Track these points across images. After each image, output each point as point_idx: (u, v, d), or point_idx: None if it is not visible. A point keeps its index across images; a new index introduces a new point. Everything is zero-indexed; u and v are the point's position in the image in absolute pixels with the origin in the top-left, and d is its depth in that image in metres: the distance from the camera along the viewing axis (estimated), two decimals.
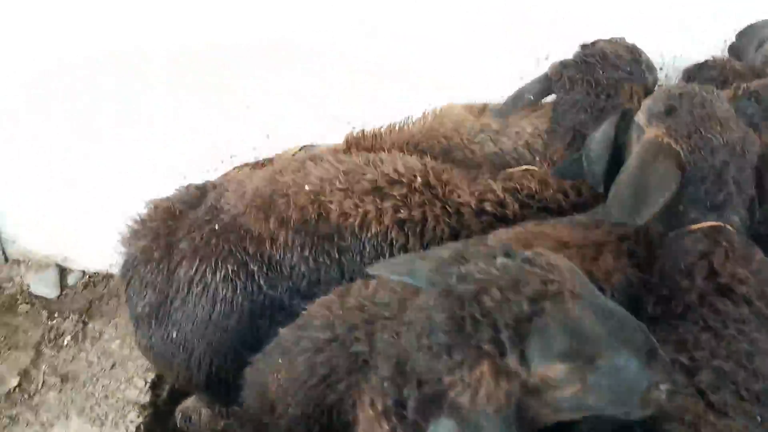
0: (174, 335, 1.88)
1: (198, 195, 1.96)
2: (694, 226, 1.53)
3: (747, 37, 2.42)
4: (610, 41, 2.06)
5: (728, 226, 1.53)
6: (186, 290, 1.79)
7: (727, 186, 1.52)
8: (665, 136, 1.53)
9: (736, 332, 1.40)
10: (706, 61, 2.27)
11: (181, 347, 1.87)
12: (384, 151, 1.96)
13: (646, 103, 1.66)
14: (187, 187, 2.07)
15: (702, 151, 1.52)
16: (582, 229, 1.64)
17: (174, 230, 1.84)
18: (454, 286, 1.15)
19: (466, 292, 1.13)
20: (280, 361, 1.66)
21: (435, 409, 1.14)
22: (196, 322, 1.83)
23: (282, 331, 1.70)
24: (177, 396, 2.61)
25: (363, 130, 2.30)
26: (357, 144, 2.17)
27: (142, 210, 2.08)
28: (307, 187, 1.71)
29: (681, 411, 1.24)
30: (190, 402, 2.42)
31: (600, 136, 1.68)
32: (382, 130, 2.25)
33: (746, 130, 1.60)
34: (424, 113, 2.33)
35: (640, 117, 1.64)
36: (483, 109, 2.29)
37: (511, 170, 1.94)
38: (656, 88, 2.11)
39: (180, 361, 1.92)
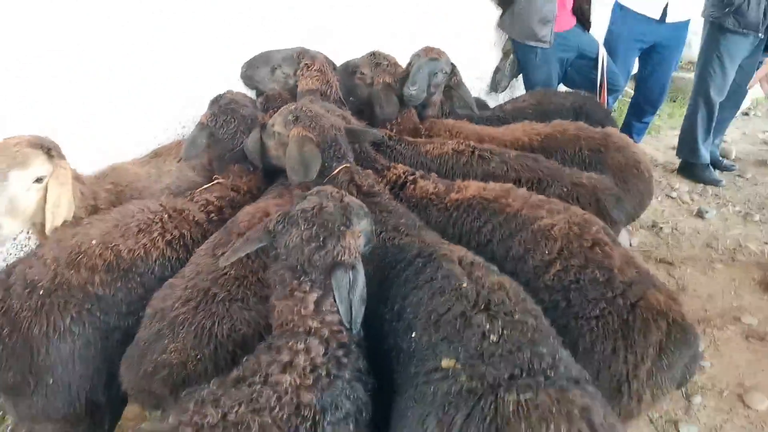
0: (50, 381, 2.10)
1: (3, 281, 2.20)
2: (335, 171, 2.53)
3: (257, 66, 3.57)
4: (230, 92, 3.03)
5: (349, 164, 2.57)
6: (46, 342, 2.08)
7: (338, 145, 2.57)
8: (304, 131, 2.53)
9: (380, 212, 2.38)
10: (267, 94, 3.44)
11: (60, 387, 2.13)
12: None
13: (278, 118, 2.69)
14: None
15: (323, 133, 2.55)
16: (279, 197, 2.71)
17: (7, 308, 2.10)
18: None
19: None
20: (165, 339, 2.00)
21: (332, 270, 1.78)
22: (65, 362, 2.12)
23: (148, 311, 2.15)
24: None
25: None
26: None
27: None
28: (93, 242, 2.27)
29: None
30: None
31: (253, 138, 2.80)
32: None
33: (338, 115, 2.89)
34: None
35: (276, 126, 2.68)
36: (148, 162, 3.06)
37: (202, 188, 2.82)
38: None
39: (63, 401, 2.16)
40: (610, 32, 5.51)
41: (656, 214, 5.21)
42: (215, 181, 2.87)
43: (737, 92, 5.66)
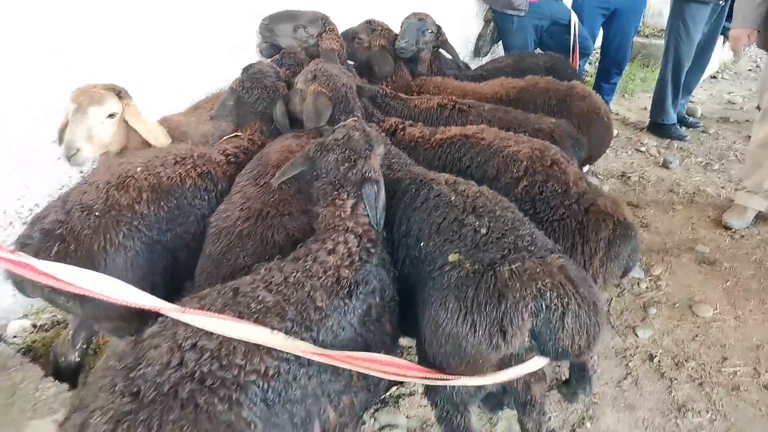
0: None
1: (60, 205, 2.50)
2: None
3: (281, 21, 3.88)
4: (259, 63, 3.39)
5: (356, 117, 2.82)
6: (104, 255, 2.41)
7: (347, 101, 3.02)
8: (319, 87, 2.98)
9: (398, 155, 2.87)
10: (284, 51, 3.77)
11: None
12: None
13: (300, 77, 3.16)
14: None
15: (335, 90, 3.00)
16: (296, 138, 3.05)
17: (70, 228, 2.40)
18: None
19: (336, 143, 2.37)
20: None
21: (362, 184, 2.27)
22: (120, 271, 2.43)
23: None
24: None
25: None
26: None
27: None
28: (138, 168, 2.63)
29: None
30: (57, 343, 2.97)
31: (280, 111, 3.19)
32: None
33: (347, 74, 3.26)
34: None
35: (299, 83, 3.13)
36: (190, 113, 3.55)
37: (223, 138, 3.23)
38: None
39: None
40: (575, 1, 6.04)
41: (626, 166, 5.76)
42: (234, 134, 3.29)
43: (702, 56, 6.20)
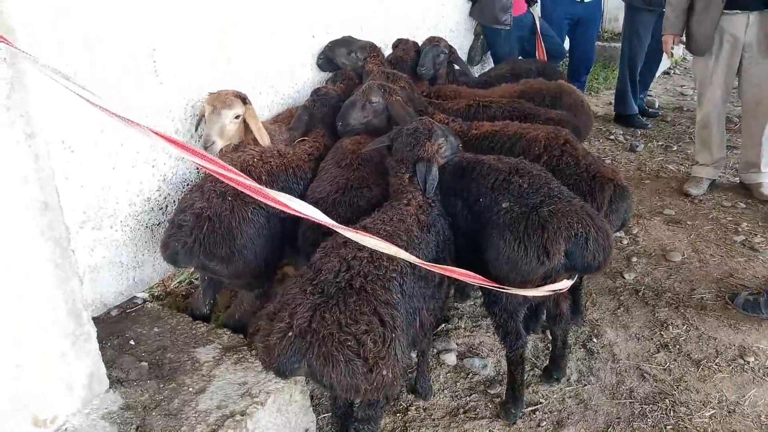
0: (245, 252, 3.18)
1: (199, 194, 3.24)
2: None
3: (339, 47, 4.81)
4: (324, 87, 4.34)
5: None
6: (240, 228, 3.14)
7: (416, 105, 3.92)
8: (399, 98, 3.91)
9: None
10: (339, 71, 4.79)
11: (251, 255, 3.23)
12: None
13: (371, 93, 3.89)
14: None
15: (412, 99, 4.09)
16: (360, 137, 3.84)
17: (213, 210, 3.13)
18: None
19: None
20: None
21: (416, 162, 3.05)
22: (252, 239, 3.20)
23: None
24: None
25: None
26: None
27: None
28: (255, 159, 3.43)
29: None
30: (192, 299, 3.74)
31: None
32: None
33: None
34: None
35: (374, 97, 3.89)
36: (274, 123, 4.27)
37: (296, 141, 3.95)
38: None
39: (253, 263, 3.24)
40: (544, 10, 6.96)
41: (599, 152, 6.78)
42: (301, 139, 4.05)
43: (654, 55, 7.28)
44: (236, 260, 3.21)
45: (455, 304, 4.20)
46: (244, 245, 3.20)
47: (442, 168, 3.24)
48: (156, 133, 2.37)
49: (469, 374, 3.61)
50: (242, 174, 2.58)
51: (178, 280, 4.09)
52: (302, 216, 2.63)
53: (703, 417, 3.27)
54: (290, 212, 2.62)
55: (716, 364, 3.65)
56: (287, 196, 2.62)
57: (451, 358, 3.71)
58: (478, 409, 3.34)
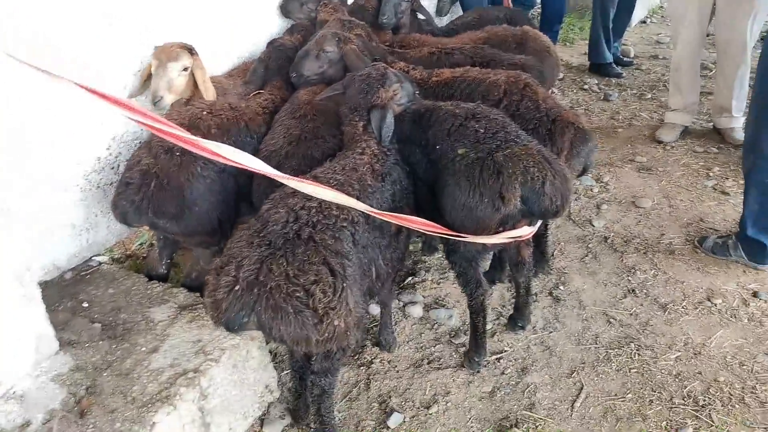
0: (195, 209, 3.12)
1: (147, 150, 3.16)
2: None
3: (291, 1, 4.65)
4: (280, 38, 4.27)
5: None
6: (189, 184, 3.08)
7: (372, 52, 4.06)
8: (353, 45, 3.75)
9: None
10: (294, 24, 4.61)
11: (202, 211, 3.18)
12: None
13: (325, 41, 3.75)
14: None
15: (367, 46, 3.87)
16: (316, 87, 3.72)
17: (161, 166, 3.06)
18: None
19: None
20: None
21: (370, 110, 2.97)
22: (202, 195, 3.13)
23: None
24: None
25: None
26: None
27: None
28: (204, 112, 3.30)
29: None
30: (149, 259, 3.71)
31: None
32: None
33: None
34: None
35: (328, 46, 3.74)
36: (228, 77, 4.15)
37: (251, 95, 3.82)
38: None
39: (205, 220, 3.19)
40: None
41: (573, 102, 6.68)
42: (257, 92, 3.95)
43: (626, 2, 7.17)
44: (187, 217, 3.14)
45: (423, 257, 4.15)
46: (194, 202, 3.13)
47: (400, 116, 3.15)
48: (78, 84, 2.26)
49: (434, 325, 3.57)
50: (174, 125, 2.46)
51: (139, 242, 3.99)
52: (248, 169, 2.54)
53: (668, 359, 3.26)
54: (235, 165, 2.52)
55: (683, 308, 3.63)
56: (231, 148, 2.51)
57: (417, 311, 3.67)
58: (442, 359, 3.31)
